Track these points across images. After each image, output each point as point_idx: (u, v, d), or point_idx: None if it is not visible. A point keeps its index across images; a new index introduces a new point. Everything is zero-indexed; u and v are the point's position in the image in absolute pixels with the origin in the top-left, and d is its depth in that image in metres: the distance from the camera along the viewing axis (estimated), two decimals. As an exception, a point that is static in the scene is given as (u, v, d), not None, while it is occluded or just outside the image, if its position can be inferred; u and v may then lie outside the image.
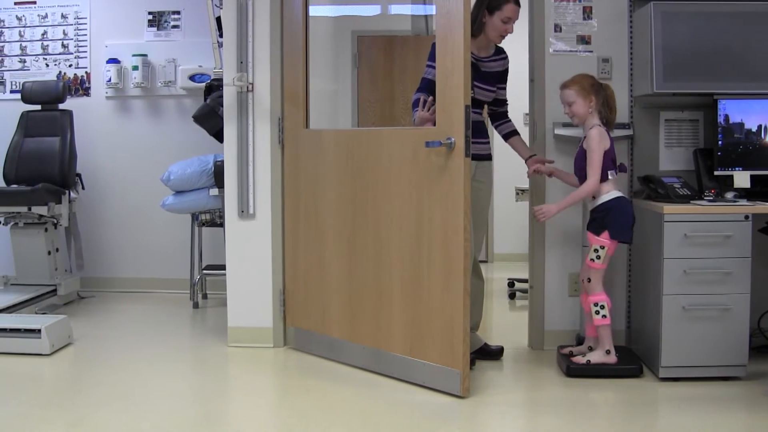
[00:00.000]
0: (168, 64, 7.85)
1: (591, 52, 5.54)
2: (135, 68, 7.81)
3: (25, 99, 7.52)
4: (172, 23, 7.90)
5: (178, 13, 7.89)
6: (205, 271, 7.46)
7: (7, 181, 7.35)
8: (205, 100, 6.75)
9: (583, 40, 5.55)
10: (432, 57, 4.91)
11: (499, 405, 4.59)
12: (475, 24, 4.99)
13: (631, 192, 5.50)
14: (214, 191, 6.92)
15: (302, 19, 5.55)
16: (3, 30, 8.13)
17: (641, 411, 4.47)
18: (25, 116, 7.56)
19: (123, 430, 4.22)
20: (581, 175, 4.99)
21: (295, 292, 5.70)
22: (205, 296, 7.64)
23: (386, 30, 7.95)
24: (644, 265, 5.26)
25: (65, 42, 8.05)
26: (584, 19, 5.54)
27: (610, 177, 4.91)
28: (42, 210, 6.94)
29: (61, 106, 7.58)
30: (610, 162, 4.91)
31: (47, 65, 8.09)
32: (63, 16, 8.04)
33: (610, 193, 4.91)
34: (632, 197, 5.45)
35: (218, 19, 6.45)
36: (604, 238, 4.88)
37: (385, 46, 7.64)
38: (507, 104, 5.49)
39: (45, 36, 8.08)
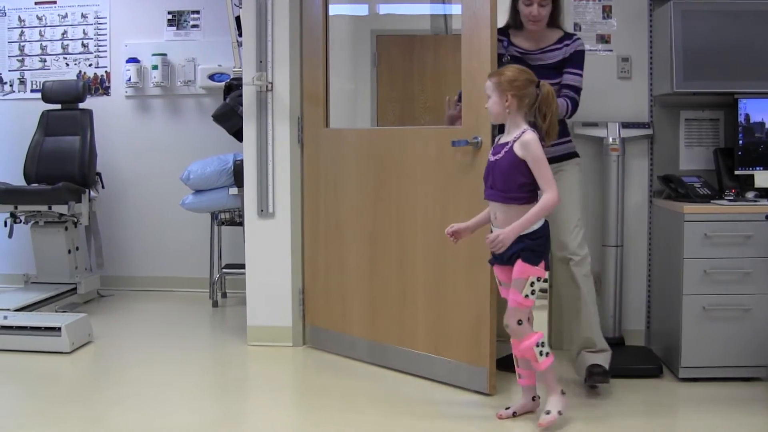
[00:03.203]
0: (187, 64, 7.86)
1: (611, 51, 5.52)
2: (155, 67, 7.83)
3: (46, 98, 7.55)
4: (192, 23, 7.92)
5: (198, 12, 7.90)
6: (224, 270, 7.47)
7: (28, 180, 7.37)
8: (225, 99, 6.76)
9: (603, 39, 5.53)
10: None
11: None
12: (516, 17, 4.91)
13: (651, 192, 5.48)
14: (234, 190, 6.92)
15: (322, 19, 5.56)
16: (24, 30, 8.16)
17: (661, 411, 4.46)
18: (45, 115, 7.59)
19: (142, 428, 4.24)
20: (507, 189, 4.12)
21: (314, 292, 5.71)
22: (224, 295, 7.65)
23: (405, 29, 7.94)
24: (664, 265, 5.24)
25: (85, 41, 8.08)
26: (604, 18, 5.52)
27: (540, 197, 4.09)
28: (62, 209, 6.97)
29: (81, 106, 7.61)
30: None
31: (67, 65, 8.12)
32: (83, 16, 8.07)
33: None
34: (652, 197, 5.44)
35: (237, 19, 6.46)
36: (542, 268, 4.13)
37: (404, 46, 7.62)
38: (572, 88, 4.78)
39: (65, 35, 8.11)
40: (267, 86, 5.65)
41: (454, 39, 7.23)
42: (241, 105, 5.85)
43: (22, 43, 8.18)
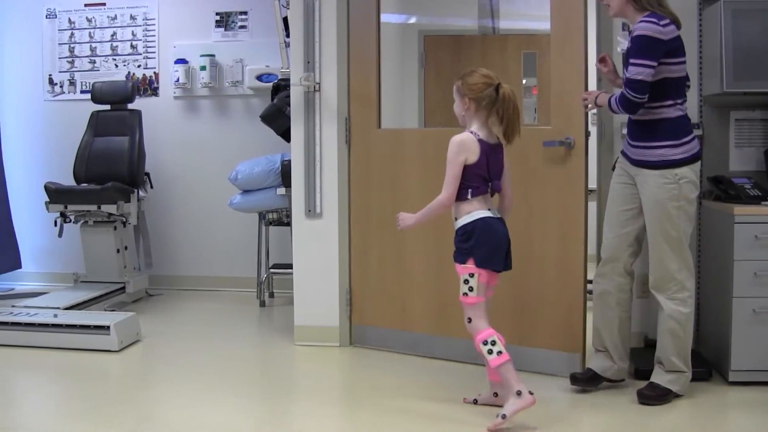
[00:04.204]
0: (235, 64, 7.90)
1: (660, 51, 5.47)
2: (203, 68, 7.87)
3: (95, 99, 7.62)
4: (240, 23, 7.95)
5: (246, 13, 7.94)
6: (272, 270, 7.49)
7: (78, 180, 7.44)
8: (273, 99, 6.78)
9: (652, 39, 5.48)
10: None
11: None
12: None
13: (701, 193, 5.42)
14: (281, 190, 6.93)
15: (375, 20, 5.61)
16: (73, 31, 8.24)
17: (710, 415, 4.41)
18: (95, 116, 7.65)
19: (190, 426, 4.27)
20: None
21: (363, 291, 5.72)
22: (271, 295, 7.68)
23: (452, 29, 7.93)
24: (713, 267, 5.19)
25: (134, 43, 8.14)
26: (653, 17, 5.47)
27: (470, 196, 4.24)
28: (111, 208, 7.02)
29: (130, 106, 7.67)
30: (477, 178, 4.25)
31: (116, 66, 8.19)
32: (132, 17, 8.13)
33: (471, 214, 4.25)
34: (701, 198, 5.39)
35: (285, 20, 6.47)
36: (471, 265, 4.23)
37: (451, 46, 7.62)
38: (625, 81, 4.42)
39: (114, 37, 8.18)
40: (314, 87, 5.66)
41: (500, 39, 7.24)
42: (289, 105, 5.87)
43: (72, 45, 8.27)
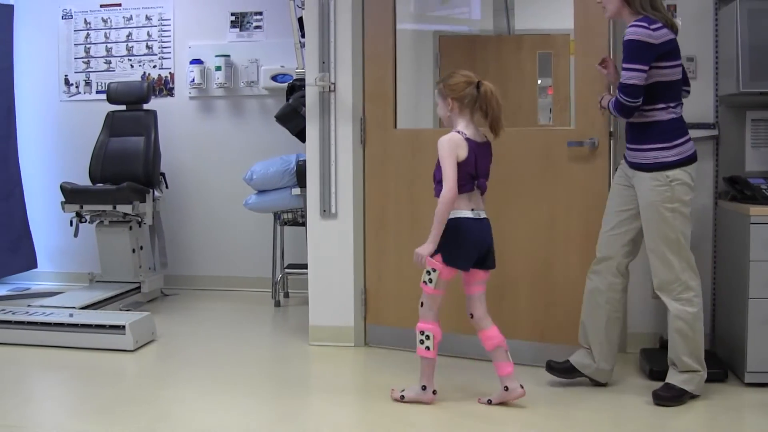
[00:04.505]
0: (250, 65, 7.91)
1: (676, 51, 5.46)
2: (218, 69, 7.89)
3: (111, 99, 7.64)
4: (255, 24, 7.96)
5: (261, 14, 7.95)
6: (286, 270, 7.50)
7: (93, 180, 7.46)
8: (288, 100, 6.79)
9: (668, 39, 5.46)
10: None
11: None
12: None
13: (716, 193, 5.41)
14: (297, 191, 6.94)
15: (390, 20, 5.62)
16: (89, 32, 8.27)
17: (726, 416, 4.39)
18: (110, 116, 7.68)
19: (205, 425, 4.28)
20: (436, 183, 4.47)
21: (379, 291, 5.72)
22: (286, 295, 7.69)
23: (467, 30, 7.92)
24: (729, 268, 5.17)
25: (149, 43, 8.16)
26: (669, 17, 5.46)
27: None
28: (127, 208, 7.04)
29: (145, 106, 7.70)
30: (465, 176, 4.38)
31: (132, 66, 8.22)
32: (147, 18, 8.15)
33: (452, 212, 4.39)
34: (717, 199, 5.37)
35: (300, 20, 6.48)
36: (437, 261, 4.40)
37: (466, 46, 7.61)
38: (618, 86, 4.44)
39: (130, 37, 8.20)
40: (329, 87, 5.67)
41: (515, 39, 7.22)
42: (304, 106, 5.88)
43: (87, 45, 8.29)
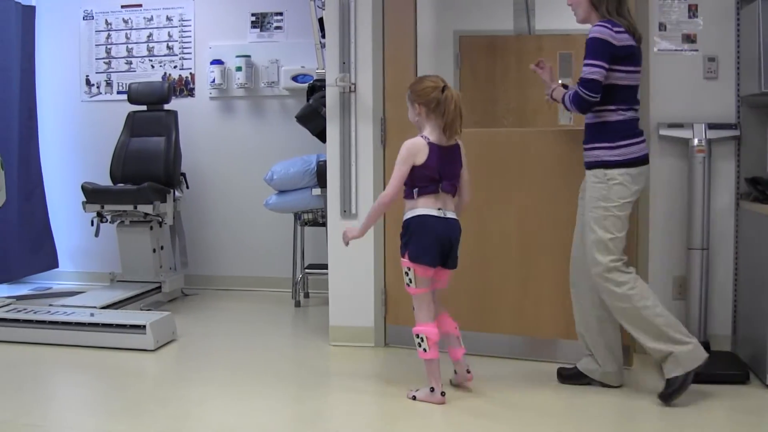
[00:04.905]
0: (271, 65, 7.92)
1: (696, 51, 5.43)
2: (238, 69, 7.90)
3: (132, 100, 7.66)
4: (275, 24, 7.98)
5: (281, 14, 7.96)
6: (307, 270, 7.50)
7: (114, 180, 7.49)
8: (308, 100, 6.79)
9: (689, 38, 5.45)
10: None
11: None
12: None
13: (738, 194, 5.38)
14: (317, 191, 6.94)
15: (411, 20, 5.63)
16: (110, 32, 8.30)
17: (748, 418, 4.37)
18: (131, 116, 7.70)
19: (225, 425, 4.29)
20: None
21: (399, 291, 5.67)
22: (307, 295, 7.69)
23: (488, 29, 7.90)
24: (751, 269, 5.14)
25: (170, 44, 8.19)
26: (690, 17, 5.44)
27: (416, 195, 4.55)
28: (147, 208, 7.06)
29: (166, 107, 7.71)
30: (424, 178, 4.52)
31: (153, 66, 8.24)
32: (168, 19, 8.17)
33: (412, 210, 4.56)
34: (739, 200, 5.34)
35: (320, 20, 6.48)
36: (406, 259, 4.57)
37: (486, 46, 7.59)
38: (579, 80, 4.51)
39: (150, 38, 8.23)
40: (350, 87, 5.67)
41: (536, 39, 7.19)
42: (324, 106, 5.88)
43: (108, 46, 8.32)
